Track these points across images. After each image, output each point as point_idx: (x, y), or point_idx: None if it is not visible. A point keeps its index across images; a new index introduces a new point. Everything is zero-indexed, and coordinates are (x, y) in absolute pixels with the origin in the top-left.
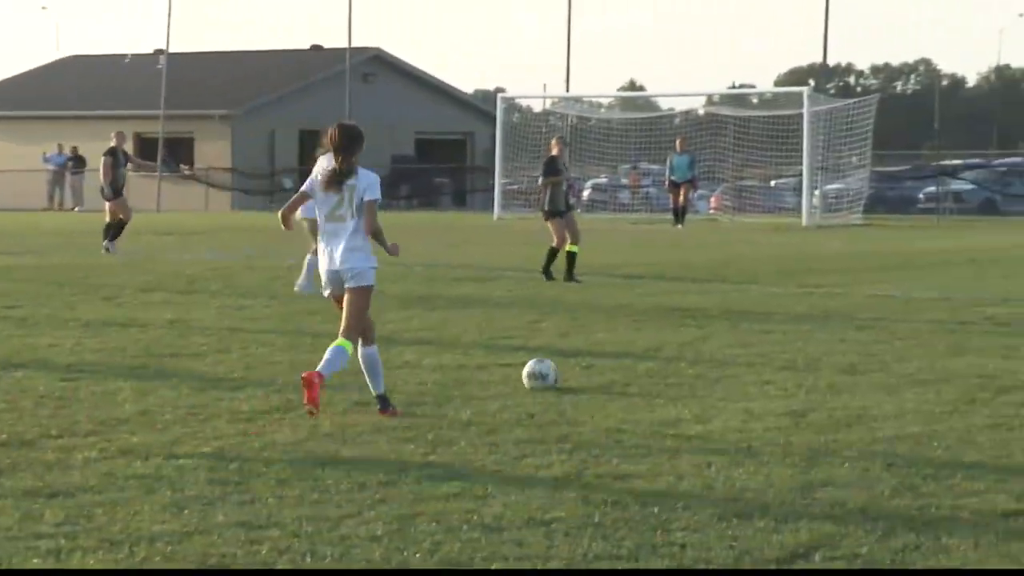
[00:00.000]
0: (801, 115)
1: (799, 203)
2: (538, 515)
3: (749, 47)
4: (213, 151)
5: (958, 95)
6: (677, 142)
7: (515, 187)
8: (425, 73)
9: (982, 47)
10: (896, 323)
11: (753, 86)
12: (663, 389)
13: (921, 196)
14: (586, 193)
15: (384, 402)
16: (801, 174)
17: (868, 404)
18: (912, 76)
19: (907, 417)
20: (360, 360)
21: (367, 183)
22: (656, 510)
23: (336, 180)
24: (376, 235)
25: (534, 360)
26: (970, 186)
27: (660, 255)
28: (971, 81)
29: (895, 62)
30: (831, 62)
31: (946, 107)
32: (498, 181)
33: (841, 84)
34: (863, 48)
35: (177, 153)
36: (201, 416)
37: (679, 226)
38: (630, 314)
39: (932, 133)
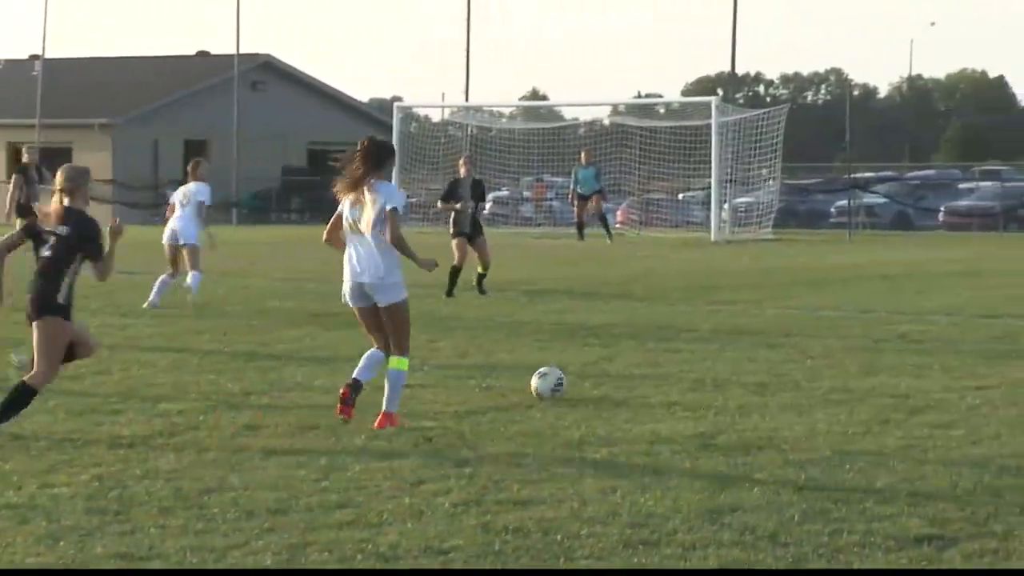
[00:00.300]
0: (709, 126)
1: (707, 217)
2: (436, 543)
3: (656, 56)
4: (93, 162)
5: (869, 106)
6: (582, 155)
7: (413, 200)
8: (318, 81)
9: (893, 57)
10: (807, 341)
11: (660, 96)
12: (567, 411)
13: (833, 210)
14: (488, 206)
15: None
16: (709, 187)
17: (779, 425)
18: (823, 86)
19: (819, 439)
20: (367, 369)
21: (387, 193)
22: (559, 537)
23: (351, 188)
24: (400, 246)
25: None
26: (882, 200)
27: (565, 271)
28: (883, 91)
29: (805, 71)
30: (740, 71)
31: (857, 118)
32: None
33: (750, 94)
34: (772, 57)
35: (55, 164)
36: (79, 442)
37: (582, 240)
38: (533, 332)
39: (844, 145)
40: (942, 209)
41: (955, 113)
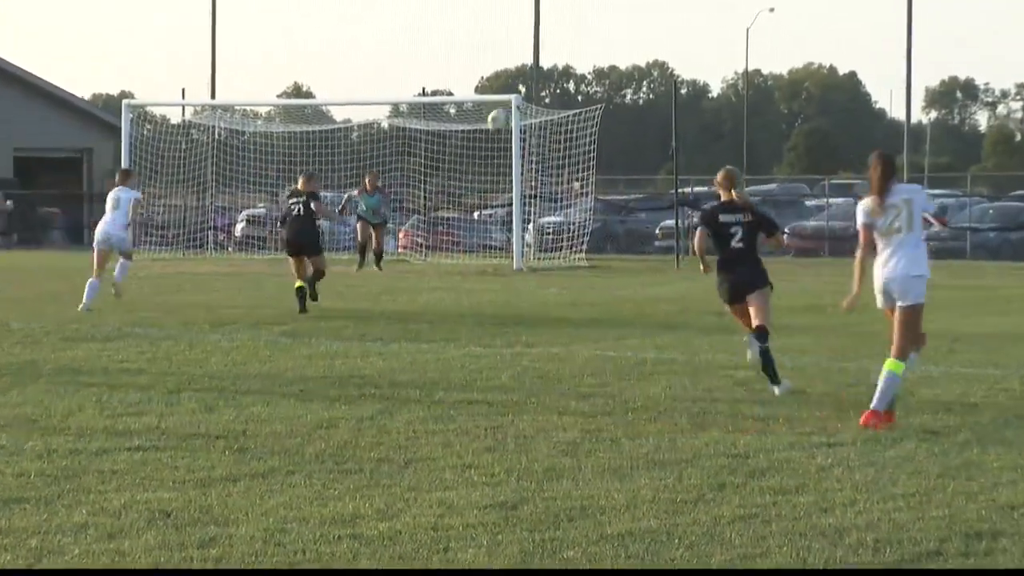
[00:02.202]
0: (508, 130)
1: (509, 240)
2: None
3: (444, 45)
4: None
5: (700, 106)
6: (367, 180)
7: (149, 220)
8: (27, 73)
9: (727, 49)
10: (627, 390)
11: (450, 93)
12: (337, 477)
13: (658, 231)
14: (238, 228)
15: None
16: (511, 204)
17: (594, 492)
18: (644, 83)
19: (642, 508)
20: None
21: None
22: None
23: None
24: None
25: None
26: None
27: (334, 305)
28: (715, 89)
29: (623, 65)
30: (545, 64)
31: (686, 121)
32: None
33: (558, 91)
34: (584, 49)
35: None
36: None
37: (375, 268)
38: (295, 382)
39: (670, 153)
40: (786, 231)
41: (800, 116)
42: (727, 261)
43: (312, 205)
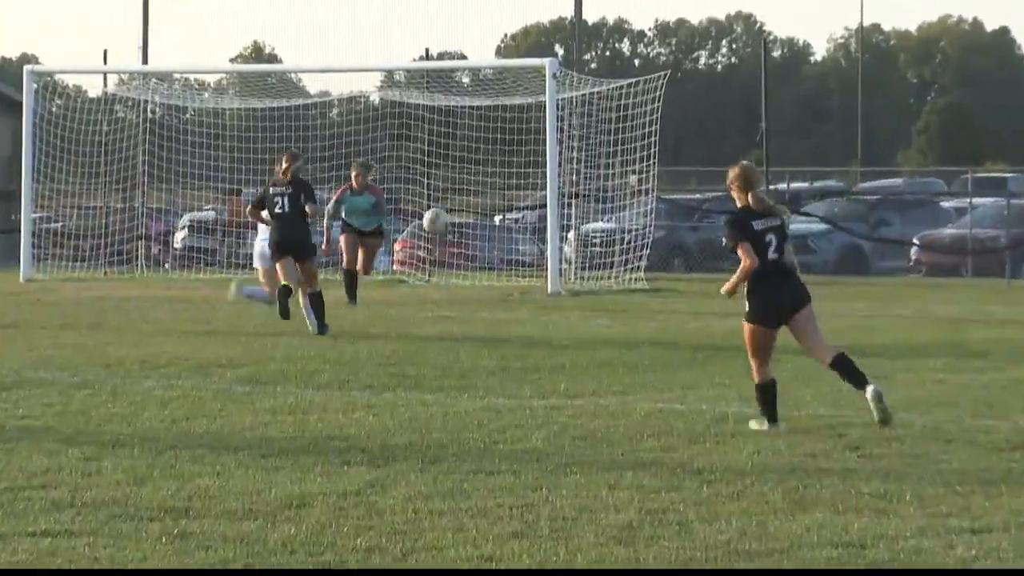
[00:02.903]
0: (542, 106)
1: (542, 254)
2: None
3: None
4: None
5: (799, 74)
6: (353, 174)
7: (59, 224)
8: None
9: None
10: (701, 456)
11: (462, 56)
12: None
13: None
14: (179, 237)
15: None
16: (544, 205)
17: None
18: (724, 42)
19: None
20: None
21: None
22: None
23: None
24: None
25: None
26: (821, 226)
27: (308, 344)
28: (818, 52)
29: (695, 19)
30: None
31: (780, 94)
32: (26, 215)
33: (608, 54)
34: None
35: None
36: None
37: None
38: (255, 445)
39: (757, 137)
40: (915, 242)
41: (932, 87)
42: (766, 276)
43: (303, 201)
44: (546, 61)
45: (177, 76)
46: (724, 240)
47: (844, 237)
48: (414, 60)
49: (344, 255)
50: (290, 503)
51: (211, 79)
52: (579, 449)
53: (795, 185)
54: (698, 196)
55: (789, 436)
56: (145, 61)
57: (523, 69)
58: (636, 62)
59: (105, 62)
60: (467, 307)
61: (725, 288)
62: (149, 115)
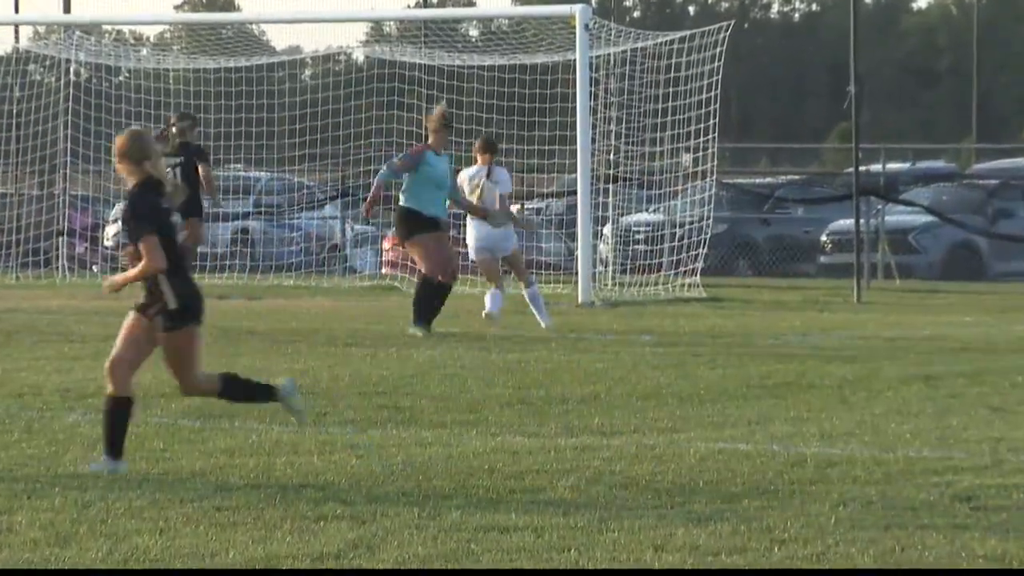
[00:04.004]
0: (571, 65)
1: (571, 253)
2: None
3: None
4: None
5: (898, 26)
6: (431, 128)
7: None
8: None
9: None
10: (770, 509)
11: (469, 2)
12: None
13: (825, 239)
14: (109, 232)
15: None
16: (573, 191)
17: None
18: None
19: None
20: None
21: None
22: None
23: None
24: None
25: None
26: (925, 217)
27: (273, 367)
28: None
29: None
30: None
31: (873, 51)
32: None
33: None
34: None
35: None
36: None
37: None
38: (207, 495)
39: (845, 106)
40: None
41: None
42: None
43: (197, 166)
44: (576, 8)
45: (107, 28)
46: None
47: (955, 232)
48: (408, 7)
49: (428, 258)
50: (252, 568)
51: (150, 32)
52: (617, 500)
53: (893, 166)
54: (769, 180)
55: (883, 484)
56: (67, 10)
57: (547, 19)
58: (691, 9)
59: (16, 10)
60: (476, 321)
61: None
62: (72, 77)
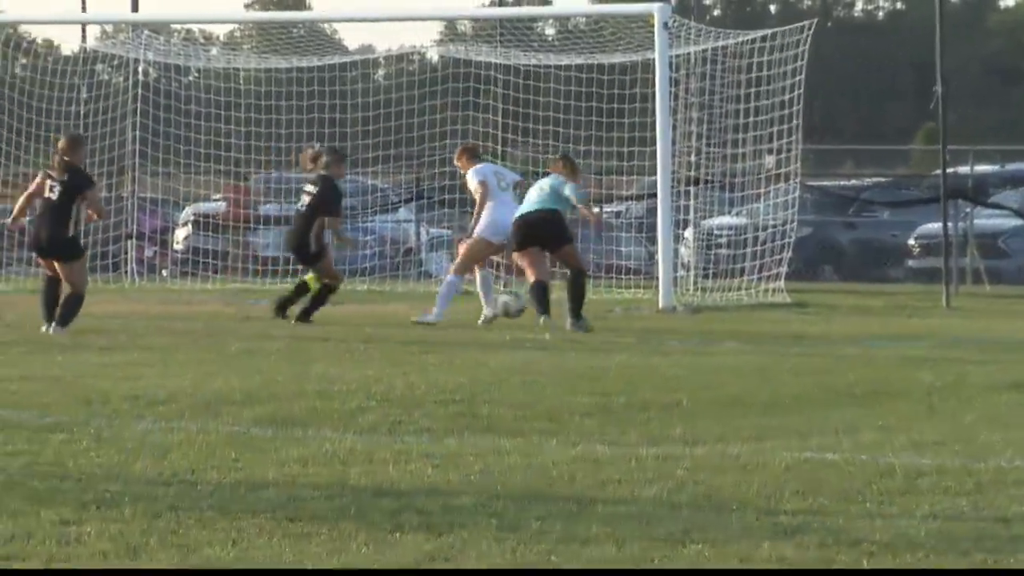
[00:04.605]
0: (650, 64)
1: (651, 257)
2: None
3: None
4: None
5: (984, 23)
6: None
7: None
8: None
9: None
10: (859, 521)
11: (546, 1)
12: None
13: (913, 242)
14: (180, 235)
15: None
16: (653, 194)
17: None
18: None
19: None
20: None
21: None
22: None
23: None
24: None
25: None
26: (1014, 220)
27: (346, 374)
28: None
29: None
30: None
31: (960, 49)
32: None
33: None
34: None
35: None
36: None
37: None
38: (284, 504)
39: (930, 107)
40: None
41: None
42: None
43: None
44: (655, 7)
45: (176, 27)
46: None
47: None
48: (483, 6)
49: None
50: None
51: (220, 31)
52: (701, 512)
53: (981, 168)
54: (854, 182)
55: (974, 495)
56: (135, 8)
57: (626, 17)
58: (773, 8)
59: (84, 9)
60: (555, 327)
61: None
62: (141, 77)
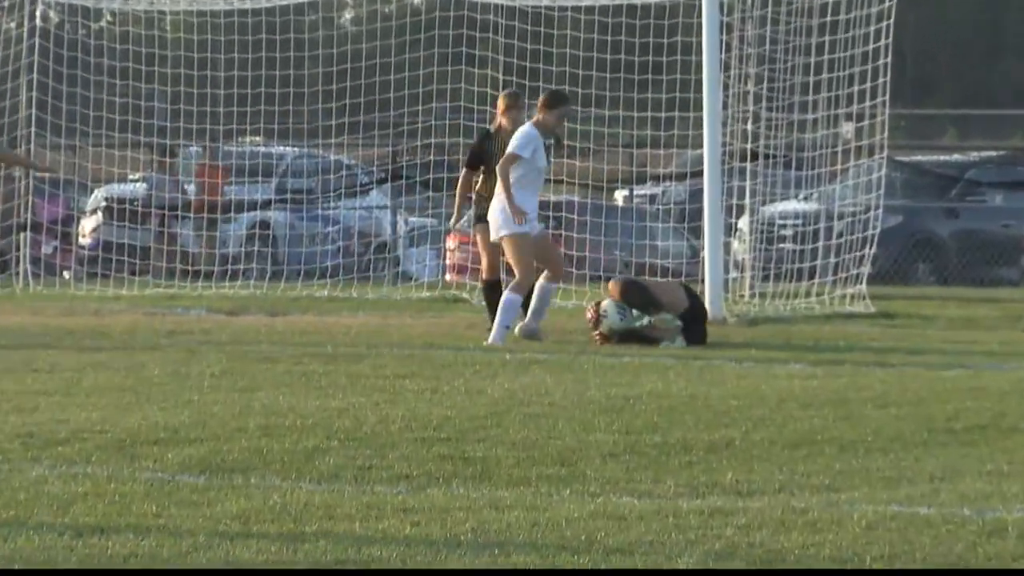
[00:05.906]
0: (694, 8)
1: (693, 253)
2: None
3: None
4: None
5: None
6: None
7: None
8: None
9: None
10: None
11: None
12: None
13: None
14: (87, 225)
15: None
16: (699, 173)
17: None
18: None
19: None
20: None
21: None
22: None
23: None
24: None
25: None
26: None
27: (299, 405)
28: None
29: None
30: None
31: None
32: None
33: None
34: None
35: None
36: None
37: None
38: None
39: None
40: None
41: None
42: None
43: None
44: None
45: None
46: None
47: None
48: None
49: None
50: None
51: None
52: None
53: None
54: (957, 158)
55: None
56: None
57: None
58: None
59: None
60: (570, 343)
61: None
62: (39, 23)
